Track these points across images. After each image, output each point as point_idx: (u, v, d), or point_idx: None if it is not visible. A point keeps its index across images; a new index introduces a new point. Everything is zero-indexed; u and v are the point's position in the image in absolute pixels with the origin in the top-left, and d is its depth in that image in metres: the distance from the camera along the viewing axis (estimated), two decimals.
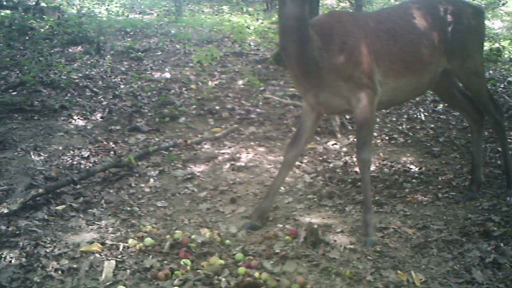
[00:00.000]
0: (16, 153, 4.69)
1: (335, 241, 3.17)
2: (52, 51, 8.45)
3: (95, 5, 12.59)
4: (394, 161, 4.77)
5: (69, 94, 6.44)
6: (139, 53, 8.55)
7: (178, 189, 4.13)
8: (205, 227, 3.42)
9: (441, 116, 6.06)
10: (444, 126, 5.74)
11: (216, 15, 13.01)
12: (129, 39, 9.67)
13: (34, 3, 11.05)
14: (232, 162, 4.67)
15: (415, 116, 6.09)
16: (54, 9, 11.05)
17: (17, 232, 3.19)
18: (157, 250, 3.05)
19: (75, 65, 7.79)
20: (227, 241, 3.19)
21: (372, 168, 4.55)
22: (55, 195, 3.84)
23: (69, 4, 12.43)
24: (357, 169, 4.51)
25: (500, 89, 7.01)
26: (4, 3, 10.59)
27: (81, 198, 3.86)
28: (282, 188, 4.06)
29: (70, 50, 8.75)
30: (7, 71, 7.26)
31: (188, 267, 2.84)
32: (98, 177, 4.26)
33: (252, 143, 5.19)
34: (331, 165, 4.68)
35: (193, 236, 3.22)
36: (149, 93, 6.53)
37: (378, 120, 5.95)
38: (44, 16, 10.37)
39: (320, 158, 4.85)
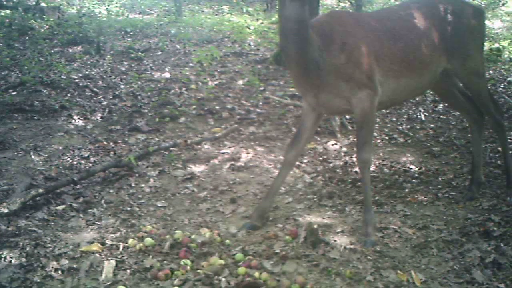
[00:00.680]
0: (16, 153, 4.69)
1: (335, 241, 3.17)
2: (52, 51, 8.46)
3: (95, 5, 12.59)
4: (394, 161, 4.77)
5: (69, 94, 6.45)
6: (139, 53, 8.55)
7: (178, 189, 4.13)
8: (205, 227, 3.42)
9: (441, 116, 6.06)
10: (444, 126, 5.74)
11: (216, 15, 13.01)
12: (129, 39, 9.68)
13: (34, 3, 11.05)
14: (232, 162, 4.67)
15: (415, 116, 6.09)
16: (54, 9, 11.06)
17: (17, 232, 3.19)
18: (157, 250, 3.06)
19: (75, 65, 7.80)
20: (227, 241, 3.20)
21: (372, 168, 4.55)
22: (55, 195, 3.84)
23: (69, 4, 12.42)
24: (357, 169, 4.51)
25: (500, 89, 7.00)
26: (4, 3, 10.59)
27: (81, 198, 3.86)
28: (282, 188, 4.06)
29: (70, 50, 8.75)
30: (7, 71, 7.27)
31: (188, 267, 2.84)
32: (98, 177, 4.26)
33: (252, 143, 5.19)
34: (331, 165, 4.68)
35: (193, 236, 3.22)
36: (149, 93, 6.53)
37: (378, 120, 5.95)
38: (44, 16, 10.38)
39: (320, 158, 4.85)
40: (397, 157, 4.90)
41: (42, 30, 9.55)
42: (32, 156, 4.64)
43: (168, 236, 3.21)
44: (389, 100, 3.47)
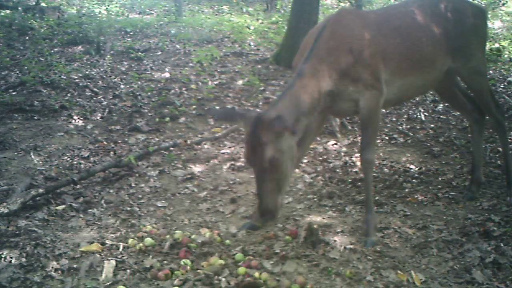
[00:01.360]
0: (16, 153, 4.70)
1: (335, 241, 3.17)
2: (52, 51, 8.45)
3: (95, 5, 12.59)
4: (394, 161, 4.77)
5: (69, 94, 6.45)
6: (139, 53, 8.55)
7: (178, 189, 4.13)
8: (205, 227, 3.42)
9: (441, 116, 6.06)
10: (444, 126, 5.74)
11: (216, 15, 13.01)
12: (129, 39, 9.67)
13: (34, 3, 11.06)
14: (232, 162, 4.67)
15: (415, 116, 6.09)
16: (54, 9, 11.06)
17: (17, 232, 3.19)
18: (157, 250, 3.05)
19: (75, 65, 7.79)
20: (227, 241, 3.19)
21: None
22: (55, 195, 3.85)
23: (69, 4, 12.42)
24: (357, 169, 4.51)
25: (500, 89, 7.00)
26: (4, 3, 10.58)
27: (81, 198, 3.86)
28: None
29: (70, 50, 8.75)
30: (7, 71, 7.27)
31: (188, 267, 2.84)
32: (98, 177, 4.26)
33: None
34: (331, 165, 4.68)
35: (193, 236, 3.22)
36: (149, 93, 6.53)
37: None
38: (44, 16, 10.37)
39: (320, 158, 4.85)
40: (397, 157, 4.90)
41: (42, 30, 9.54)
42: (32, 156, 4.64)
43: (168, 236, 3.21)
44: (396, 98, 3.48)
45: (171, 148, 4.94)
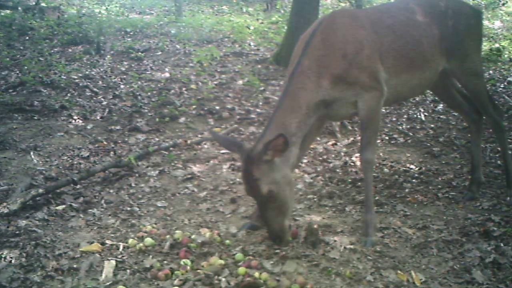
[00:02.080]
0: (16, 153, 4.70)
1: (335, 241, 3.16)
2: (52, 51, 8.46)
3: (95, 5, 12.59)
4: (394, 161, 4.77)
5: (69, 94, 6.45)
6: (139, 53, 8.56)
7: (178, 189, 4.12)
8: (205, 227, 3.42)
9: (441, 116, 6.06)
10: (444, 126, 5.74)
11: (216, 15, 13.01)
12: (129, 39, 9.68)
13: (34, 3, 11.06)
14: (232, 162, 4.66)
15: (415, 116, 6.09)
16: (54, 9, 11.07)
17: (17, 232, 3.19)
18: (157, 250, 3.05)
19: (75, 65, 7.80)
20: (227, 241, 3.19)
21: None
22: (55, 195, 3.84)
23: (69, 4, 12.43)
24: (357, 169, 4.51)
25: (500, 89, 7.01)
26: (4, 3, 10.59)
27: (81, 198, 3.86)
28: None
29: (70, 50, 8.76)
30: (7, 71, 7.27)
31: (188, 267, 2.84)
32: (98, 177, 4.26)
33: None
34: (331, 165, 4.68)
35: (193, 236, 3.22)
36: (149, 93, 6.53)
37: None
38: (44, 16, 10.38)
39: (320, 158, 4.85)
40: (397, 157, 4.90)
41: (42, 30, 9.55)
42: (32, 156, 4.64)
43: (168, 236, 3.21)
44: (392, 97, 3.45)
45: (171, 148, 4.94)
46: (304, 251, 3.01)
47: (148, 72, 7.59)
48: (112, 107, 6.05)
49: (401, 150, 5.10)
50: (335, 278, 2.77)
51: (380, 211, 3.67)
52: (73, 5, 12.33)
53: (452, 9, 3.65)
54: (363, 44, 3.23)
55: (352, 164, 4.66)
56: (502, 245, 3.09)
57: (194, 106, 6.15)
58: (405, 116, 6.11)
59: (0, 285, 2.64)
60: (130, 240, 3.15)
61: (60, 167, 4.46)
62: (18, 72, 7.20)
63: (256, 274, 2.75)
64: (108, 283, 2.70)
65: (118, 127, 5.50)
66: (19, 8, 10.36)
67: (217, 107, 6.11)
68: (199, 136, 5.37)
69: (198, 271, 2.80)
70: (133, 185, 4.16)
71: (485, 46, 9.77)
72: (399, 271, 2.84)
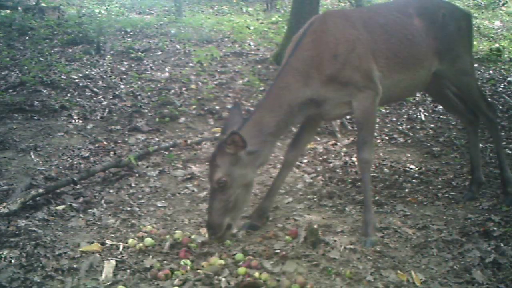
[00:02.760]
0: (16, 153, 4.69)
1: (335, 241, 3.16)
2: (52, 51, 8.46)
3: (95, 5, 12.59)
4: (394, 161, 4.77)
5: (69, 94, 6.45)
6: (139, 53, 8.56)
7: (178, 189, 4.12)
8: (205, 227, 3.41)
9: (441, 116, 6.06)
10: (444, 126, 5.75)
11: (216, 15, 13.01)
12: (129, 39, 9.68)
13: (34, 3, 11.06)
14: None
15: (415, 116, 6.09)
16: (54, 9, 11.07)
17: (17, 232, 3.19)
18: (157, 250, 3.05)
19: (75, 65, 7.80)
20: (227, 241, 3.19)
21: (372, 168, 4.55)
22: (55, 195, 3.84)
23: (69, 4, 12.42)
24: (357, 169, 4.51)
25: (500, 89, 7.01)
26: (4, 3, 10.59)
27: (81, 198, 3.86)
28: (282, 188, 4.06)
29: (70, 50, 8.75)
30: (7, 71, 7.27)
31: (188, 267, 2.84)
32: (98, 177, 4.26)
33: None
34: (331, 165, 4.68)
35: (193, 236, 3.22)
36: (149, 93, 6.53)
37: (378, 120, 5.95)
38: (44, 16, 10.38)
39: (320, 158, 4.85)
40: (397, 157, 4.90)
41: (42, 30, 9.54)
42: (32, 156, 4.64)
43: (168, 236, 3.21)
44: (384, 98, 3.42)
45: (171, 148, 4.95)
46: (304, 251, 3.01)
47: (148, 72, 7.59)
48: (112, 107, 6.05)
49: (401, 150, 5.10)
50: (335, 278, 2.77)
51: (380, 211, 3.67)
52: (73, 5, 12.32)
53: (443, 11, 3.67)
54: (354, 44, 3.22)
55: (352, 164, 4.66)
56: (502, 245, 3.09)
57: (194, 106, 6.14)
58: (405, 116, 6.11)
59: (0, 285, 2.64)
60: (130, 240, 3.15)
61: (60, 167, 4.45)
62: (18, 72, 7.20)
63: (256, 274, 2.75)
64: (108, 283, 2.70)
65: (118, 127, 5.50)
66: (19, 8, 10.37)
67: (217, 107, 6.11)
68: (199, 136, 5.37)
69: (198, 271, 2.80)
70: (133, 185, 4.16)
71: (485, 46, 9.79)
72: (399, 271, 2.84)
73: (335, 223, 3.48)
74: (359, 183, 4.13)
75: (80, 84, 6.80)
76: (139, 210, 3.71)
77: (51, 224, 3.43)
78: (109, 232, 3.34)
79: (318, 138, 5.38)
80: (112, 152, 4.83)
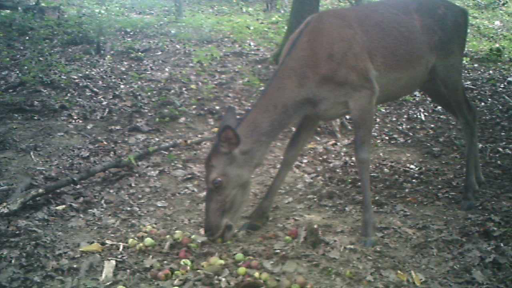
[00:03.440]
0: (16, 153, 4.69)
1: (335, 241, 3.16)
2: (52, 51, 8.46)
3: (95, 5, 12.59)
4: (394, 161, 4.77)
5: (69, 94, 6.45)
6: (139, 53, 8.56)
7: (178, 189, 4.12)
8: (203, 229, 3.41)
9: (441, 116, 6.06)
10: (444, 126, 5.75)
11: (216, 15, 13.01)
12: (129, 39, 9.68)
13: (34, 3, 11.06)
14: None
15: (415, 116, 6.09)
16: (54, 9, 11.07)
17: (17, 232, 3.19)
18: (157, 250, 3.05)
19: (75, 65, 7.79)
20: (227, 241, 3.19)
21: (372, 168, 4.55)
22: (55, 195, 3.84)
23: (69, 4, 12.43)
24: (357, 169, 4.51)
25: (500, 89, 7.01)
26: (4, 3, 10.59)
27: (81, 198, 3.86)
28: (282, 188, 4.07)
29: (70, 50, 8.75)
30: (7, 71, 7.27)
31: (188, 267, 2.84)
32: (98, 177, 4.26)
33: None
34: (331, 165, 4.68)
35: (193, 236, 3.22)
36: (149, 93, 6.53)
37: (378, 120, 5.95)
38: (44, 16, 10.38)
39: (320, 158, 4.85)
40: (397, 157, 4.90)
41: (42, 30, 9.54)
42: (32, 156, 4.64)
43: (168, 236, 3.21)
44: (382, 96, 3.39)
45: (171, 148, 4.94)
46: (304, 251, 3.01)
47: (148, 72, 7.59)
48: (112, 107, 6.05)
49: (401, 150, 5.10)
50: (335, 278, 2.77)
51: (380, 211, 3.67)
52: (73, 5, 12.33)
53: (441, 6, 3.67)
54: (350, 44, 3.21)
55: (352, 164, 4.66)
56: (502, 245, 3.09)
57: (194, 106, 6.15)
58: (405, 116, 6.11)
59: (0, 285, 2.64)
60: (130, 240, 3.15)
61: (60, 167, 4.45)
62: (18, 72, 7.20)
63: (256, 274, 2.75)
64: (108, 283, 2.70)
65: (118, 127, 5.50)
66: (19, 8, 10.37)
67: (217, 107, 6.11)
68: (199, 136, 5.37)
69: (198, 271, 2.80)
70: (133, 185, 4.16)
71: (485, 46, 9.79)
72: (399, 271, 2.84)
73: (335, 223, 3.48)
74: (359, 183, 4.13)
75: (80, 84, 6.80)
76: (139, 210, 3.71)
77: (51, 224, 3.43)
78: (109, 232, 3.34)
79: (318, 138, 5.38)
80: (112, 152, 4.83)
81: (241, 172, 3.11)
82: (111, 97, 6.43)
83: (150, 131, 5.43)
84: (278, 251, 3.01)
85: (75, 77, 7.09)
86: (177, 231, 3.29)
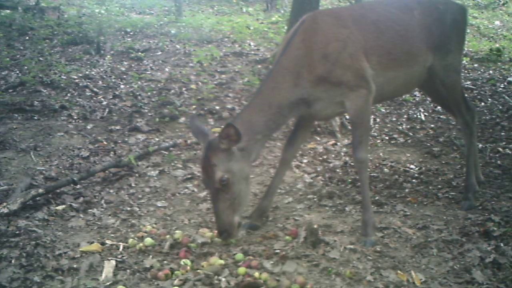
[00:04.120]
0: (16, 153, 4.69)
1: (335, 241, 3.16)
2: (52, 51, 8.46)
3: (95, 5, 12.59)
4: (394, 161, 4.77)
5: (69, 94, 6.45)
6: (139, 53, 8.56)
7: (178, 189, 4.12)
8: (205, 227, 3.42)
9: (441, 116, 6.06)
10: (444, 126, 5.74)
11: (216, 15, 13.01)
12: (129, 39, 9.68)
13: (34, 3, 11.06)
14: None
15: (415, 116, 6.09)
16: (54, 9, 11.06)
17: (17, 232, 3.19)
18: (157, 250, 3.05)
19: (75, 65, 7.79)
20: (232, 240, 3.19)
21: (372, 168, 4.55)
22: (55, 195, 3.84)
23: (69, 4, 12.42)
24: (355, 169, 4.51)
25: (500, 89, 7.01)
26: (4, 3, 10.59)
27: (81, 198, 3.86)
28: (282, 188, 4.07)
29: (70, 50, 8.75)
30: (7, 71, 7.27)
31: (188, 267, 2.84)
32: (98, 177, 4.26)
33: None
34: (331, 165, 4.68)
35: (193, 236, 3.22)
36: (149, 93, 6.53)
37: (378, 120, 5.95)
38: (44, 16, 10.38)
39: (320, 158, 4.85)
40: (397, 157, 4.89)
41: (42, 30, 9.54)
42: (32, 156, 4.64)
43: (168, 236, 3.21)
44: (378, 96, 3.36)
45: (171, 148, 4.95)
46: (304, 251, 3.01)
47: (148, 72, 7.59)
48: (112, 107, 6.05)
49: (401, 150, 5.10)
50: (335, 278, 2.77)
51: (380, 211, 3.67)
52: (73, 5, 12.32)
53: (439, 4, 3.64)
54: (345, 43, 3.18)
55: (352, 164, 4.65)
56: (502, 245, 3.09)
57: (194, 106, 6.15)
58: (405, 116, 6.11)
59: (0, 285, 2.64)
60: (130, 240, 3.15)
61: (60, 167, 4.45)
62: (18, 72, 7.20)
63: (256, 274, 2.75)
64: (108, 283, 2.70)
65: (118, 127, 5.50)
66: (19, 8, 10.36)
67: (217, 107, 6.11)
68: None
69: (198, 271, 2.80)
70: (133, 185, 4.16)
71: (485, 46, 9.79)
72: (399, 271, 2.84)
73: (335, 223, 3.48)
74: (359, 183, 4.13)
75: (80, 84, 6.80)
76: (139, 210, 3.71)
77: (51, 224, 3.43)
78: (109, 232, 3.34)
79: (318, 138, 5.38)
80: (112, 152, 4.83)
81: (242, 166, 3.10)
82: (111, 97, 6.43)
83: (150, 131, 5.43)
84: (278, 251, 3.01)
85: (75, 77, 7.09)
86: (177, 231, 3.29)
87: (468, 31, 10.96)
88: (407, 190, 4.06)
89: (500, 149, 4.93)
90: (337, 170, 4.55)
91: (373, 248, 3.08)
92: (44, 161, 4.57)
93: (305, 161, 4.75)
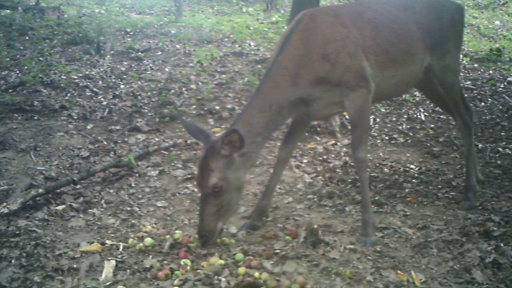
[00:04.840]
0: (16, 153, 4.69)
1: (335, 241, 3.16)
2: (52, 51, 8.45)
3: (95, 5, 12.59)
4: (394, 161, 4.77)
5: (69, 94, 6.45)
6: (139, 53, 8.55)
7: (178, 189, 4.12)
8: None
9: (441, 116, 6.05)
10: (444, 126, 5.74)
11: (216, 15, 13.00)
12: (129, 39, 9.67)
13: (34, 3, 11.05)
14: None
15: (415, 116, 6.09)
16: (54, 9, 11.05)
17: (17, 232, 3.19)
18: (157, 250, 3.05)
19: (75, 65, 7.79)
20: (231, 241, 3.19)
21: (372, 168, 4.55)
22: (55, 195, 3.84)
23: (69, 4, 12.42)
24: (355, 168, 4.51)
25: (500, 89, 7.01)
26: (4, 3, 10.58)
27: (81, 198, 3.86)
28: (282, 188, 4.07)
29: (70, 50, 8.75)
30: (7, 71, 7.27)
31: (188, 267, 2.84)
32: (98, 177, 4.26)
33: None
34: (331, 165, 4.68)
35: (193, 236, 3.22)
36: (149, 93, 6.53)
37: (378, 120, 5.95)
38: (44, 16, 10.37)
39: (320, 158, 4.85)
40: (397, 157, 4.89)
41: (42, 30, 9.54)
42: (32, 156, 4.64)
43: (168, 236, 3.21)
44: (375, 95, 3.33)
45: (171, 148, 4.94)
46: (304, 251, 3.01)
47: (148, 72, 7.59)
48: (112, 107, 6.05)
49: (401, 150, 5.10)
50: (335, 278, 2.77)
51: (380, 211, 3.67)
52: (73, 5, 12.32)
53: (437, 3, 3.63)
54: (344, 43, 3.16)
55: (352, 164, 4.65)
56: (502, 245, 3.09)
57: (194, 106, 6.14)
58: (405, 116, 6.11)
59: (0, 285, 2.64)
60: (130, 240, 3.15)
61: (60, 167, 4.45)
62: (18, 72, 7.20)
63: (256, 274, 2.75)
64: (108, 283, 2.70)
65: (118, 127, 5.50)
66: (19, 8, 10.35)
67: (217, 107, 6.11)
68: None
69: (198, 271, 2.80)
70: (133, 185, 4.16)
71: (485, 46, 9.79)
72: (399, 271, 2.84)
73: (335, 223, 3.48)
74: (359, 183, 4.13)
75: (80, 84, 6.80)
76: (139, 210, 3.71)
77: (51, 224, 3.43)
78: (109, 232, 3.34)
79: (318, 138, 5.38)
80: (112, 152, 4.83)
81: (239, 175, 3.06)
82: (111, 97, 6.43)
83: (150, 131, 5.43)
84: (278, 251, 3.01)
85: (75, 77, 7.09)
86: (177, 231, 3.29)
87: (468, 31, 10.98)
88: (407, 190, 4.06)
89: (500, 149, 4.93)
90: (337, 170, 4.55)
91: (373, 248, 3.08)
92: (44, 161, 4.57)
93: (305, 161, 4.75)
